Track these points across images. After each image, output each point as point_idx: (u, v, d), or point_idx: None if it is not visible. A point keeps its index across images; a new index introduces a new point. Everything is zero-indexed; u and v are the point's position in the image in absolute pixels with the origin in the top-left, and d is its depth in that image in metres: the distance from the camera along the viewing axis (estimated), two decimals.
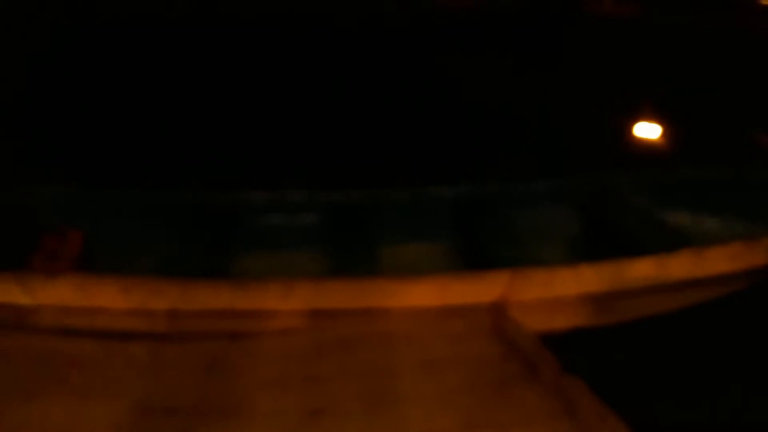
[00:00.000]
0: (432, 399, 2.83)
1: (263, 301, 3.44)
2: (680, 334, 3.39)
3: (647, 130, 6.87)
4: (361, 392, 2.89)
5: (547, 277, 3.62)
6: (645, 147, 7.22)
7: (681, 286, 3.62)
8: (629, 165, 5.70)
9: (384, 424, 2.68)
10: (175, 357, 3.16)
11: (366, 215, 4.81)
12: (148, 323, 3.39)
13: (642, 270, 3.65)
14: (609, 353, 3.18)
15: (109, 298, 3.41)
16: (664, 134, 7.15)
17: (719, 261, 3.77)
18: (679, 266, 3.70)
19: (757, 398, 2.81)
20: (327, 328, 3.38)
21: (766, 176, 5.39)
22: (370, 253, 4.37)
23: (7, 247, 3.81)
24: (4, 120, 7.91)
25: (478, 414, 2.73)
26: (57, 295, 3.45)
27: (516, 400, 2.80)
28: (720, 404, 2.79)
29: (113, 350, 3.19)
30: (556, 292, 3.58)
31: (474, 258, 4.42)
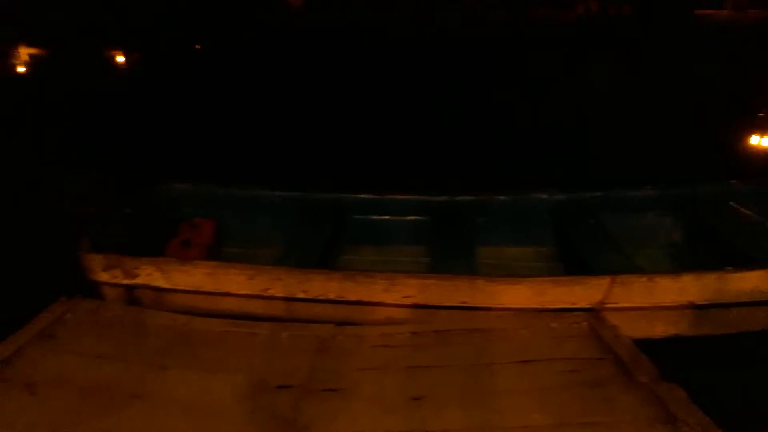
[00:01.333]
0: (527, 396, 2.89)
1: (369, 293, 3.67)
2: None
3: (763, 139, 6.51)
4: (458, 384, 3.02)
5: (648, 285, 3.58)
6: (760, 155, 6.82)
7: None
8: (742, 173, 5.44)
9: (480, 416, 2.78)
10: (290, 339, 3.47)
11: (469, 218, 4.93)
12: (268, 307, 3.74)
13: (750, 282, 3.53)
14: (709, 364, 3.12)
15: (235, 283, 3.77)
16: None
17: None
18: None
19: None
20: (427, 321, 3.56)
21: None
22: (471, 254, 4.49)
23: (149, 235, 4.31)
24: (148, 121, 8.84)
25: (572, 413, 2.76)
26: (190, 279, 3.86)
27: (611, 402, 2.81)
28: None
29: (238, 331, 3.55)
30: (656, 300, 3.54)
31: (574, 263, 4.42)
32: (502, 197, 5.03)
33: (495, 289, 3.65)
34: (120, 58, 13.84)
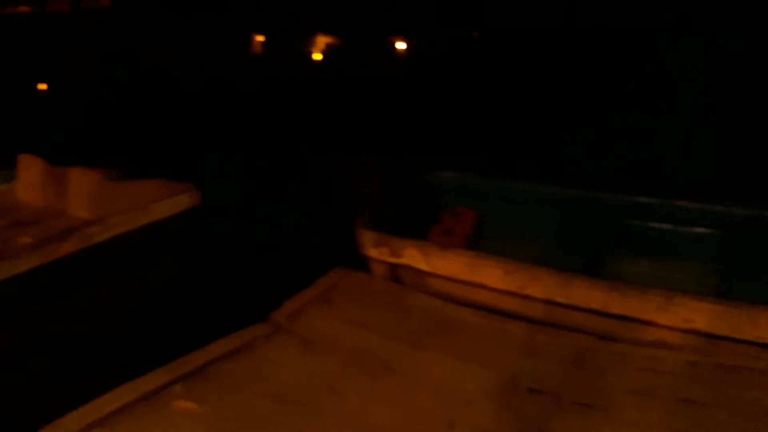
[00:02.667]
0: None
1: (639, 310, 3.33)
2: None
3: None
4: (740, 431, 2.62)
5: None
6: None
7: None
8: None
9: None
10: (546, 343, 3.33)
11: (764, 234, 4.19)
12: (525, 307, 3.63)
13: None
14: None
15: (492, 277, 3.75)
16: None
17: None
18: None
19: None
20: (709, 352, 3.12)
21: None
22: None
23: (414, 219, 4.53)
24: (421, 108, 9.35)
25: None
26: (448, 266, 3.93)
27: None
28: None
29: (493, 325, 3.54)
30: None
31: None
32: None
33: None
34: (400, 45, 14.55)
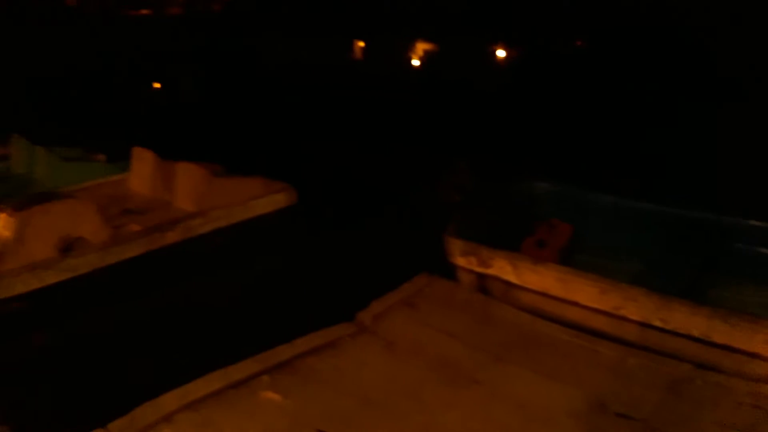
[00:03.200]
0: None
1: (745, 340, 3.11)
2: None
3: None
4: None
5: None
6: None
7: None
8: None
9: None
10: (639, 368, 3.18)
11: None
12: (619, 328, 3.48)
13: None
14: None
15: (585, 295, 3.61)
16: None
17: None
18: None
19: None
20: None
21: None
22: None
23: (505, 229, 4.44)
24: (520, 117, 9.19)
25: None
26: (540, 280, 3.83)
27: None
28: None
29: (583, 344, 3.41)
30: None
31: None
32: None
33: None
34: (501, 53, 14.49)
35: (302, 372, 3.19)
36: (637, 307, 3.42)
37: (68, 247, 4.44)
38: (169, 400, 2.93)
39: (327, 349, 3.37)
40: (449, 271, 4.20)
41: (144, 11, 20.20)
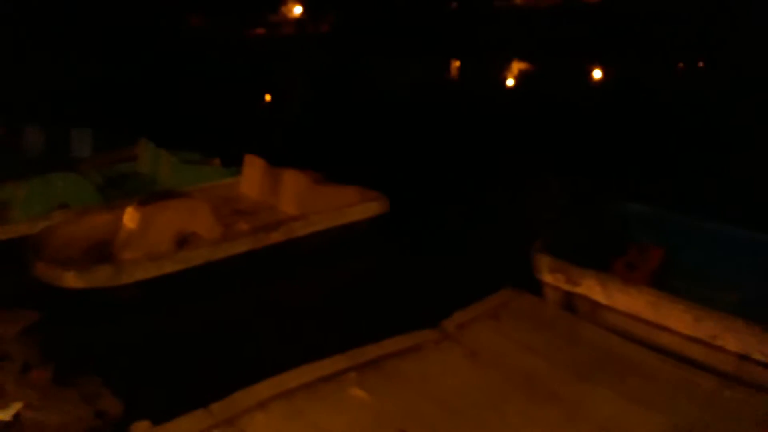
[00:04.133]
0: None
1: None
2: None
3: None
4: None
5: None
6: None
7: None
8: None
9: None
10: (735, 401, 3.05)
11: None
12: (714, 358, 3.34)
13: None
14: None
15: (677, 321, 3.50)
16: None
17: None
18: None
19: None
20: None
21: None
22: None
23: (595, 249, 4.36)
24: (615, 136, 8.93)
25: None
26: (630, 302, 3.74)
27: None
28: None
29: (674, 372, 3.32)
30: None
31: None
32: None
33: None
34: (597, 73, 14.32)
35: (387, 372, 3.34)
36: (735, 337, 3.27)
37: (183, 240, 4.89)
38: (265, 388, 3.17)
39: (412, 353, 3.51)
40: (535, 287, 4.21)
41: (260, 30, 21.55)
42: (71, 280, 4.38)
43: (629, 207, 4.98)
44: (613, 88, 12.90)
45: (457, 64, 16.85)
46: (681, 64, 13.72)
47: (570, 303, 4.04)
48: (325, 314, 4.50)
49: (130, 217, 4.87)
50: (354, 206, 5.54)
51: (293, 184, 5.79)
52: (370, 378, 3.28)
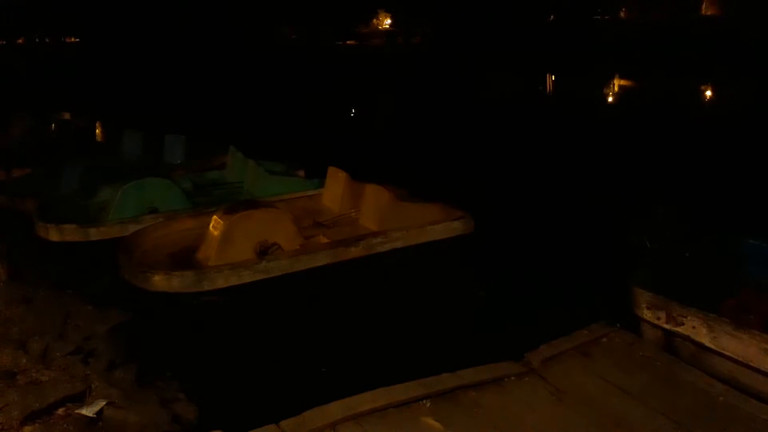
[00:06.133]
0: None
1: None
2: None
3: None
4: None
5: None
6: None
7: None
8: None
9: None
10: None
11: None
12: None
13: None
14: None
15: None
16: None
17: None
18: None
19: None
20: None
21: None
22: None
23: (702, 287, 3.98)
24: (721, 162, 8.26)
25: None
26: (740, 348, 3.38)
27: None
28: None
29: None
30: None
31: None
32: None
33: None
34: (708, 93, 13.71)
35: (465, 404, 3.16)
36: None
37: (264, 250, 4.91)
38: (336, 409, 3.08)
39: (491, 385, 3.30)
40: (631, 323, 3.89)
41: (350, 42, 22.00)
42: (155, 283, 4.50)
43: (746, 242, 4.51)
44: (727, 109, 12.07)
45: (552, 78, 16.51)
46: None
47: (670, 344, 3.70)
48: (399, 336, 4.36)
49: (214, 225, 4.96)
50: (436, 225, 5.40)
51: (375, 198, 5.73)
52: (445, 409, 3.11)
